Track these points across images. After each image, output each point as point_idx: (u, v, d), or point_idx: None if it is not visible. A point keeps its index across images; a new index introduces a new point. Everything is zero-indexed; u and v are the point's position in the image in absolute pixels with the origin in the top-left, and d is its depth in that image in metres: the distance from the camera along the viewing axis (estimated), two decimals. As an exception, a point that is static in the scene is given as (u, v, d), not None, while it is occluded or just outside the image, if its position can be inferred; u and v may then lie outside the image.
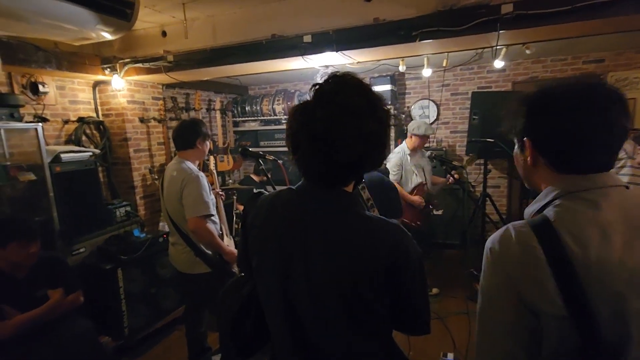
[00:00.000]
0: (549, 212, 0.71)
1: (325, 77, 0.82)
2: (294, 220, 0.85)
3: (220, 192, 2.57)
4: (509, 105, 0.81)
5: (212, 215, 2.11)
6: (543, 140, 0.74)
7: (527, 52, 2.94)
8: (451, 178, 3.15)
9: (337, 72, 0.83)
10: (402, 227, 0.84)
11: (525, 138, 0.77)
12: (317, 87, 0.81)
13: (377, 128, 0.80)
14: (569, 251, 0.64)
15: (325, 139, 0.77)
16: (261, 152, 2.08)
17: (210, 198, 2.12)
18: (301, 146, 0.81)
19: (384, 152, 0.85)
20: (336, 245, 0.80)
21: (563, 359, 0.66)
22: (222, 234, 2.31)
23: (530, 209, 0.78)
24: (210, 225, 2.09)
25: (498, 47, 2.49)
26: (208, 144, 2.25)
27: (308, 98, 0.82)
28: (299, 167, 0.85)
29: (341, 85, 0.80)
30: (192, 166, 2.14)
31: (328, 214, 0.84)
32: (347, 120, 0.77)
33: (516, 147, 0.82)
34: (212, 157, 3.03)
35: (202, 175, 2.11)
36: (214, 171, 2.85)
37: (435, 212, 4.12)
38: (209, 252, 2.16)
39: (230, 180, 4.99)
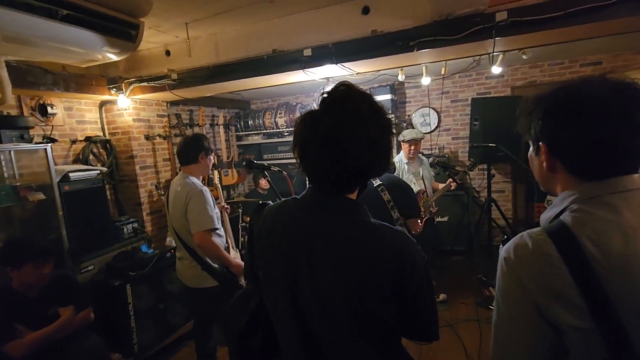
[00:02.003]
0: (566, 217, 0.66)
1: (331, 87, 0.85)
2: (299, 230, 0.87)
3: (226, 206, 2.59)
4: (523, 104, 0.76)
5: (217, 228, 2.13)
6: (561, 146, 0.69)
7: (524, 57, 2.98)
8: (453, 183, 3.16)
9: (344, 82, 0.86)
10: (407, 235, 0.85)
11: (540, 142, 0.72)
12: (324, 96, 0.84)
13: (382, 134, 0.83)
14: (591, 258, 0.60)
15: (334, 144, 0.79)
16: (265, 164, 2.11)
17: (215, 212, 2.14)
18: (310, 153, 0.83)
19: (388, 157, 0.87)
20: (342, 256, 0.81)
21: None
22: (229, 246, 2.33)
23: (546, 215, 0.74)
24: (216, 239, 2.11)
25: (495, 53, 2.53)
26: (212, 158, 2.28)
27: (315, 107, 0.85)
28: (307, 175, 0.87)
29: (347, 93, 0.83)
30: (196, 181, 2.17)
31: (333, 223, 0.85)
32: (355, 125, 0.79)
33: (531, 149, 0.78)
34: (216, 172, 3.07)
35: (205, 189, 2.13)
36: (219, 185, 2.89)
37: (440, 219, 4.12)
38: (216, 266, 2.17)
39: (235, 194, 5.02)
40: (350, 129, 0.79)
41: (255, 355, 0.99)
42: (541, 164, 0.75)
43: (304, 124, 0.85)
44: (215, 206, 2.20)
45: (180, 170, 2.28)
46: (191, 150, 2.18)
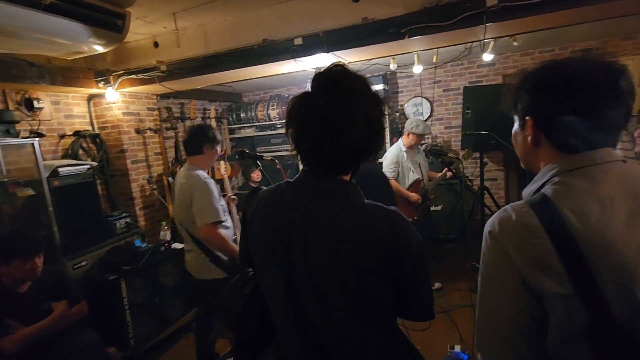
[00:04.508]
0: (547, 190, 0.69)
1: (323, 68, 0.84)
2: (293, 213, 0.86)
3: (233, 197, 2.55)
4: (510, 82, 0.77)
5: (223, 221, 2.09)
6: (547, 119, 0.71)
7: (515, 44, 2.98)
8: (449, 172, 3.17)
9: (338, 62, 0.85)
10: (401, 214, 0.85)
11: (527, 117, 0.74)
12: (318, 77, 0.83)
13: (378, 113, 0.83)
14: (571, 227, 0.63)
15: (332, 125, 0.78)
16: (258, 154, 2.09)
17: (221, 204, 2.10)
18: (307, 136, 0.82)
19: (383, 137, 0.87)
20: (337, 236, 0.81)
21: (571, 345, 0.63)
22: (237, 238, 2.30)
23: (528, 189, 0.76)
24: (222, 231, 2.07)
25: (486, 40, 2.52)
26: (218, 149, 2.22)
27: (308, 89, 0.84)
28: (303, 158, 0.86)
29: (342, 73, 0.82)
30: (201, 172, 2.12)
31: (328, 205, 0.84)
32: (352, 105, 0.78)
33: (516, 125, 0.80)
34: (222, 162, 3.00)
35: (210, 181, 2.08)
36: (225, 176, 2.84)
37: (433, 208, 4.15)
38: (224, 258, 2.14)
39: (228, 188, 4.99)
40: (347, 109, 0.78)
41: (252, 340, 1.00)
42: (525, 139, 0.76)
43: (298, 105, 0.83)
44: (222, 198, 2.15)
45: (186, 161, 2.22)
46: (195, 141, 2.13)
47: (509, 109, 0.79)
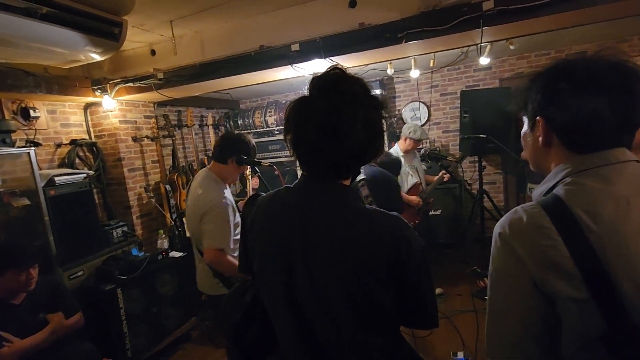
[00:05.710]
0: (559, 190, 0.67)
1: (321, 72, 0.83)
2: (293, 218, 0.85)
3: None
4: (520, 83, 0.77)
5: (233, 250, 1.87)
6: (559, 120, 0.69)
7: (511, 47, 3.00)
8: (446, 175, 3.17)
9: (335, 66, 0.84)
10: (402, 219, 0.84)
11: (538, 117, 0.72)
12: (316, 80, 0.82)
13: (377, 116, 0.81)
14: (584, 228, 0.60)
15: (331, 128, 0.77)
16: (255, 160, 2.06)
17: (235, 222, 1.90)
18: (305, 139, 0.81)
19: (383, 141, 0.85)
20: (336, 241, 0.80)
21: (586, 349, 0.61)
22: None
23: (539, 190, 0.74)
24: (231, 259, 1.85)
25: (482, 44, 2.53)
26: (243, 169, 2.06)
27: (306, 93, 0.83)
28: (302, 163, 0.85)
29: (340, 76, 0.81)
30: (222, 187, 1.95)
31: (328, 210, 0.83)
32: (350, 107, 0.77)
33: (525, 125, 0.78)
34: (247, 172, 2.82)
35: (229, 203, 1.90)
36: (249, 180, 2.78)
37: (433, 212, 4.14)
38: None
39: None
40: (345, 111, 0.77)
41: (251, 349, 0.97)
42: (536, 139, 0.75)
43: (296, 109, 0.82)
44: (237, 215, 1.96)
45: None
46: (222, 150, 1.97)
47: (519, 110, 0.78)
